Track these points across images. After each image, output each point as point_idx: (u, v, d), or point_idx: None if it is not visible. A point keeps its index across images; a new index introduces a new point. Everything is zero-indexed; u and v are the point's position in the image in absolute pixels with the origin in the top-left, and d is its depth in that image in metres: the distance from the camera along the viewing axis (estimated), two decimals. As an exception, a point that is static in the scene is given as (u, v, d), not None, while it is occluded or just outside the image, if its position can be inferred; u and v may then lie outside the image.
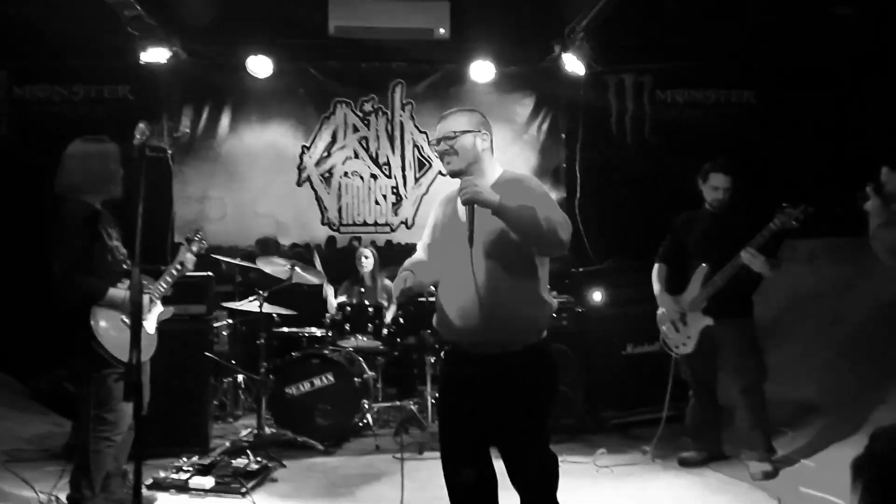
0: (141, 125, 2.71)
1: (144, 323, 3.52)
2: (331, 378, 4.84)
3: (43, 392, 5.34)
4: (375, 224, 6.75)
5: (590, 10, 5.65)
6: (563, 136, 6.77)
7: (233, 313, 5.59)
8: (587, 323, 5.27)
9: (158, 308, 3.72)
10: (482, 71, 6.41)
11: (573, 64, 6.21)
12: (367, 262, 5.77)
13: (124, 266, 3.47)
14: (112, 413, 3.40)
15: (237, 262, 5.16)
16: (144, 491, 3.94)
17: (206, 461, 4.31)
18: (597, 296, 5.31)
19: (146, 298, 3.55)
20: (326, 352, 4.97)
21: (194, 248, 3.81)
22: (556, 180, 6.79)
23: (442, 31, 6.08)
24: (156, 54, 5.81)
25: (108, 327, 3.38)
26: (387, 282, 5.66)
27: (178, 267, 3.70)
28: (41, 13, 5.37)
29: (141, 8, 5.20)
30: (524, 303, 2.79)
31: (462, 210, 2.79)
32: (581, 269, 5.65)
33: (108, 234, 3.48)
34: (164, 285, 3.68)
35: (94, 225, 3.39)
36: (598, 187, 6.56)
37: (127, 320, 3.44)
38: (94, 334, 3.32)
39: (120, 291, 3.42)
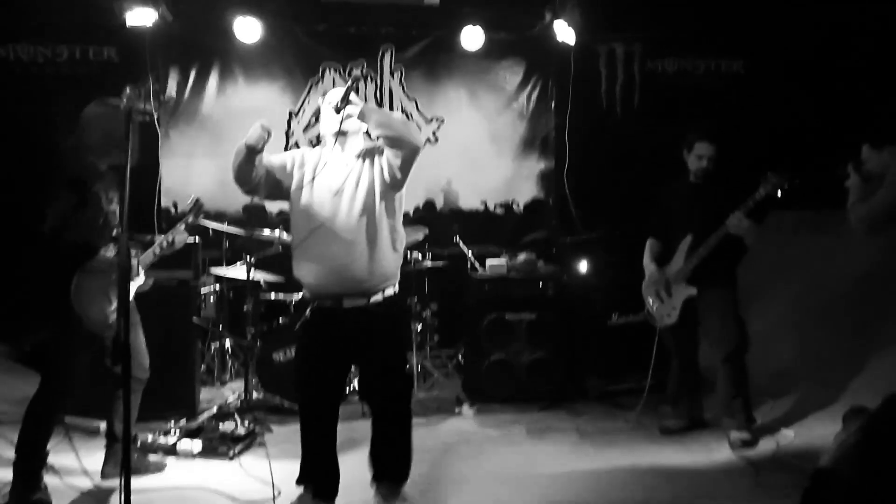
0: (128, 89, 2.69)
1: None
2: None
3: (27, 354, 5.34)
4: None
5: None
6: (553, 104, 6.74)
7: (220, 279, 5.59)
8: (572, 292, 5.31)
9: (140, 279, 3.70)
10: (472, 38, 6.35)
11: (563, 32, 6.17)
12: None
13: (114, 231, 3.45)
14: (63, 379, 3.39)
15: (224, 227, 5.15)
16: (154, 456, 3.98)
17: (194, 425, 4.36)
18: (583, 265, 5.35)
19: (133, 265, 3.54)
20: (314, 318, 4.99)
21: (190, 220, 3.81)
22: (544, 149, 6.78)
23: (431, -3, 6.02)
24: (141, 16, 5.71)
25: (87, 295, 3.36)
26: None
27: (170, 240, 3.70)
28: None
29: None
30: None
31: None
32: (568, 239, 5.67)
33: (108, 199, 3.46)
34: (152, 256, 3.69)
35: (93, 186, 3.38)
36: (587, 157, 6.55)
37: (108, 290, 3.45)
38: (72, 300, 3.31)
39: (107, 258, 3.41)
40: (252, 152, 3.07)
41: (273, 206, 6.42)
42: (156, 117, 6.10)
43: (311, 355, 3.24)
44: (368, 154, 3.20)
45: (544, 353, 5.13)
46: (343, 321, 3.13)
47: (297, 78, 6.53)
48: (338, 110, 3.09)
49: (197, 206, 3.87)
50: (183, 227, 3.78)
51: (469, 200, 6.70)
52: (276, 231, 4.99)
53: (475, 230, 6.29)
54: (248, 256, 4.99)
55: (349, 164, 3.16)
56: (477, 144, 6.68)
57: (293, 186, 3.20)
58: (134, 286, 3.64)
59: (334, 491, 3.28)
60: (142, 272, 3.69)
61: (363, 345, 3.17)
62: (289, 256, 5.32)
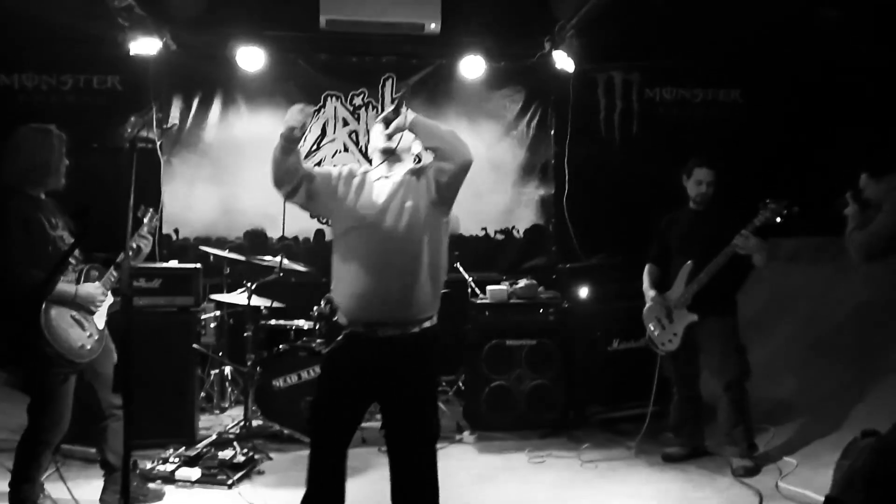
0: (132, 118, 2.71)
1: (90, 317, 3.47)
2: (318, 371, 4.86)
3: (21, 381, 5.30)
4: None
5: (580, 7, 5.68)
6: (552, 132, 6.80)
7: (220, 305, 5.59)
8: (573, 319, 5.31)
9: (109, 299, 3.58)
10: (472, 66, 6.43)
11: (563, 60, 6.25)
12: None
13: (67, 258, 3.38)
14: (50, 414, 3.35)
15: (225, 254, 5.16)
16: (154, 484, 3.95)
17: (193, 453, 4.32)
18: (583, 292, 5.35)
19: (94, 293, 3.46)
20: (314, 345, 4.99)
21: (144, 230, 3.65)
22: (544, 176, 6.83)
23: (433, 25, 6.08)
24: (145, 45, 5.79)
25: (59, 323, 3.31)
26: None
27: (129, 257, 3.61)
28: (38, 5, 5.32)
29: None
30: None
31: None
32: (568, 266, 5.68)
33: (52, 225, 3.39)
34: (116, 274, 3.54)
35: (32, 216, 3.30)
36: (586, 184, 6.60)
37: (77, 316, 3.42)
38: (43, 332, 3.24)
39: (69, 286, 3.37)
40: (291, 140, 2.85)
41: (275, 232, 6.44)
42: (158, 145, 6.15)
43: (335, 381, 2.96)
44: (416, 174, 2.99)
45: (545, 379, 5.12)
46: (376, 350, 2.86)
47: (299, 106, 6.57)
48: (388, 121, 2.96)
49: (151, 213, 3.74)
50: (140, 237, 3.66)
51: (469, 227, 6.72)
52: (277, 257, 5.00)
53: (476, 256, 6.31)
54: (249, 283, 5.00)
55: (397, 181, 2.96)
56: (477, 172, 6.64)
57: (336, 202, 2.99)
58: (103, 309, 3.55)
59: None
60: (108, 293, 3.56)
61: (394, 378, 2.89)
62: (288, 283, 5.37)
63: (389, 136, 2.96)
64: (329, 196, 3.00)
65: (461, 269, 5.62)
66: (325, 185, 3.00)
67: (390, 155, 3.01)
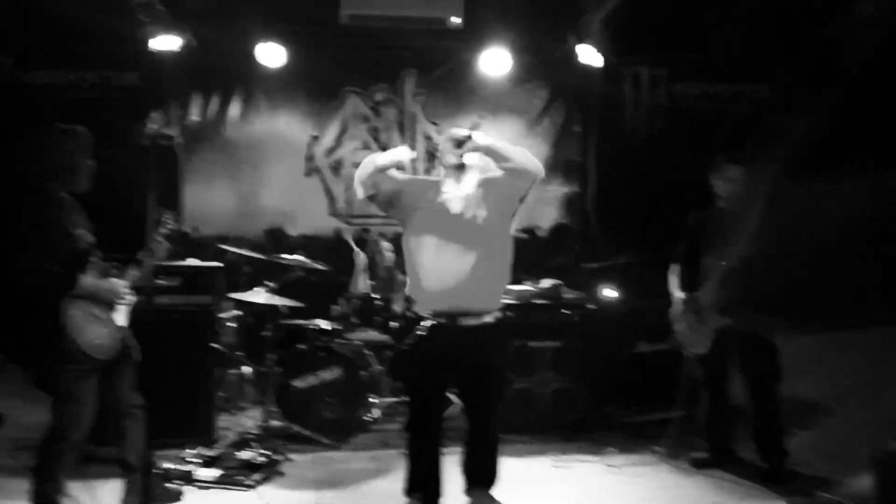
0: (153, 114, 2.65)
1: (112, 314, 3.44)
2: (338, 371, 4.79)
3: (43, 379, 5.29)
4: (386, 216, 6.69)
5: (606, 1, 5.56)
6: (577, 128, 6.68)
7: (239, 304, 5.53)
8: (597, 319, 5.20)
9: (129, 297, 3.53)
10: (496, 61, 6.32)
11: (589, 55, 6.12)
12: (389, 255, 5.71)
13: (90, 256, 3.37)
14: (71, 412, 3.30)
15: (244, 251, 5.10)
16: (172, 484, 3.91)
17: (212, 453, 4.28)
18: (608, 292, 5.24)
19: (116, 289, 3.44)
20: (334, 345, 4.92)
21: (162, 230, 3.63)
22: (568, 173, 6.72)
23: (455, 20, 5.98)
24: (165, 41, 5.74)
25: (81, 320, 3.28)
26: (400, 276, 5.59)
27: (151, 255, 3.58)
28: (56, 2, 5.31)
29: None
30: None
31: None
32: (593, 265, 5.58)
33: (73, 223, 3.38)
34: (136, 274, 3.51)
35: (54, 214, 3.30)
36: (611, 181, 6.48)
37: (98, 313, 3.38)
38: (64, 328, 3.22)
39: (92, 281, 3.35)
40: (388, 168, 3.38)
41: (294, 230, 6.38)
42: (178, 141, 6.11)
43: (426, 368, 3.40)
44: (486, 184, 3.42)
45: (569, 381, 5.01)
46: (458, 338, 3.32)
47: (319, 102, 6.53)
48: (460, 144, 3.32)
49: (165, 217, 3.72)
50: (165, 242, 3.65)
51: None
52: (296, 255, 4.94)
53: (517, 257, 6.20)
54: (268, 281, 4.93)
55: (468, 193, 3.40)
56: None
57: (412, 209, 3.44)
58: (126, 309, 3.51)
59: (438, 499, 3.46)
60: (132, 293, 3.55)
61: (473, 359, 3.36)
62: (308, 282, 5.29)
63: (461, 155, 3.36)
64: (406, 203, 3.45)
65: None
66: (402, 193, 3.46)
67: (461, 170, 3.42)
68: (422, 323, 3.38)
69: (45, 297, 3.21)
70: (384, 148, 6.60)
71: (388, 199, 3.47)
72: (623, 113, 6.71)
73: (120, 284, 3.44)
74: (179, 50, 5.87)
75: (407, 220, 3.48)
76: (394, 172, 3.47)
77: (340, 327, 5.18)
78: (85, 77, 6.15)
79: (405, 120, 6.66)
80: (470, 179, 3.43)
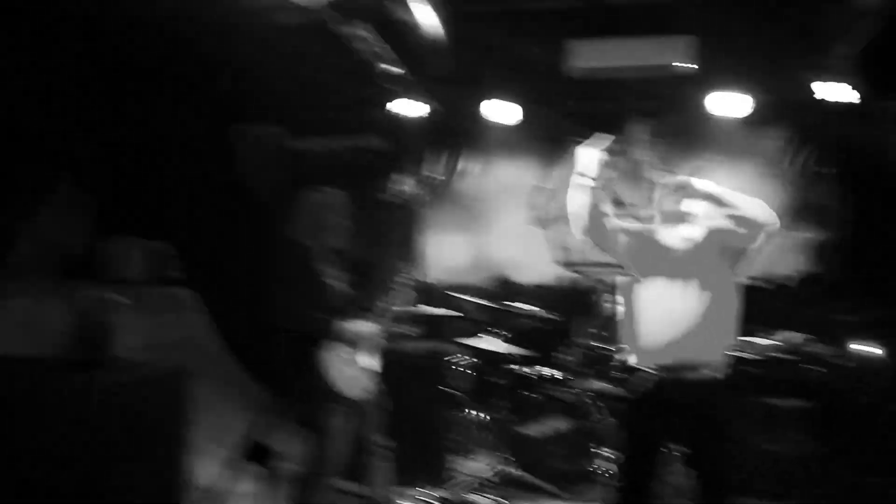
0: (398, 176, 2.92)
1: (363, 359, 3.70)
2: (566, 420, 4.79)
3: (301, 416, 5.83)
4: (612, 265, 6.62)
5: (854, 33, 5.14)
6: (826, 171, 6.18)
7: (471, 350, 5.74)
8: (851, 378, 4.71)
9: (376, 344, 3.80)
10: (730, 104, 6.07)
11: (834, 93, 5.67)
12: (614, 304, 5.64)
13: (342, 304, 3.69)
14: (327, 448, 3.57)
15: (475, 300, 5.32)
16: None
17: (442, 494, 4.44)
18: (863, 347, 4.74)
19: (369, 334, 3.72)
20: (561, 393, 4.94)
21: (405, 285, 3.93)
22: (814, 218, 6.21)
23: (686, 64, 5.86)
24: (407, 106, 6.25)
25: (337, 363, 3.58)
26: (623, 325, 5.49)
27: (394, 303, 3.86)
28: (309, 73, 5.99)
29: (392, 63, 5.62)
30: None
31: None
32: (846, 317, 5.08)
33: (328, 275, 3.74)
34: (382, 322, 3.79)
35: (313, 266, 3.67)
36: (867, 227, 5.88)
37: (351, 357, 3.67)
38: (322, 370, 3.53)
39: (348, 326, 3.63)
40: (587, 179, 3.32)
41: (523, 278, 6.54)
42: (418, 197, 6.56)
43: (645, 423, 3.25)
44: (709, 231, 3.30)
45: (818, 445, 4.57)
46: (679, 392, 3.15)
47: (546, 155, 6.68)
48: (679, 187, 3.24)
49: (410, 265, 4.01)
50: (406, 291, 3.91)
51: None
52: (525, 303, 5.05)
53: (747, 309, 5.85)
54: (498, 329, 5.08)
55: (689, 239, 3.29)
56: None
57: (630, 254, 3.38)
58: (376, 356, 3.78)
59: None
60: (379, 342, 3.82)
61: (695, 415, 3.15)
62: (536, 329, 5.38)
63: (678, 201, 3.26)
64: (625, 248, 3.39)
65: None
66: (622, 238, 3.40)
67: (681, 217, 3.31)
68: (641, 375, 3.24)
69: (308, 341, 3.57)
70: (618, 199, 6.56)
71: (606, 244, 3.43)
72: (880, 153, 6.09)
73: (371, 331, 3.77)
74: (420, 113, 6.36)
75: (628, 266, 3.40)
76: (612, 220, 3.41)
77: (568, 376, 5.18)
78: (341, 142, 6.83)
79: (635, 168, 6.58)
80: (691, 227, 3.30)
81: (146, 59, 5.96)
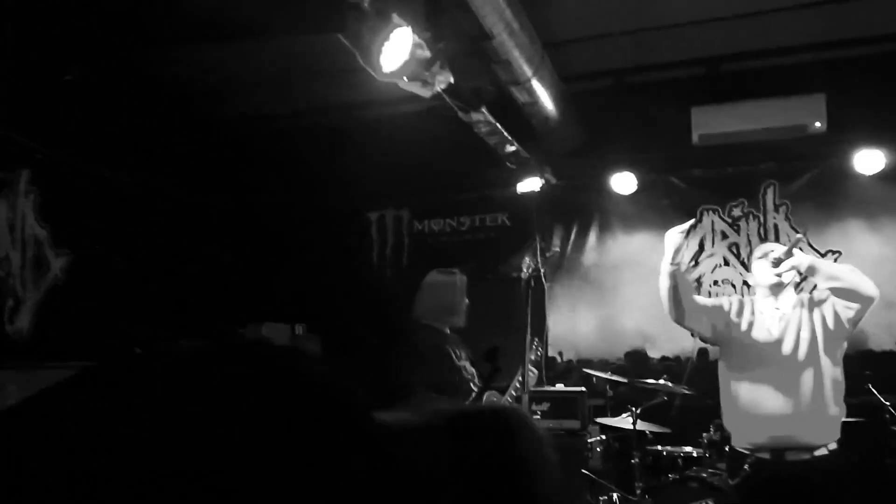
0: (527, 258, 3.00)
1: None
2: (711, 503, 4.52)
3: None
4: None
5: None
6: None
7: (605, 429, 5.58)
8: None
9: None
10: (867, 162, 5.76)
11: None
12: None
13: (472, 385, 3.70)
14: None
15: (607, 375, 5.19)
16: None
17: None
18: None
19: None
20: (705, 475, 4.68)
21: (532, 358, 3.93)
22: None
23: (818, 124, 5.64)
24: (530, 183, 6.34)
25: None
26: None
27: (520, 380, 3.84)
28: (433, 156, 6.23)
29: (517, 144, 5.74)
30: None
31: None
32: None
33: (457, 356, 3.76)
34: (509, 400, 3.82)
35: (442, 348, 3.71)
36: None
37: None
38: None
39: None
40: (675, 273, 3.24)
41: (655, 353, 6.33)
42: (542, 273, 6.56)
43: None
44: (807, 304, 3.21)
45: None
46: (785, 475, 3.04)
47: (673, 224, 6.53)
48: (779, 262, 3.16)
49: (536, 343, 3.99)
50: (529, 366, 3.88)
51: (880, 340, 5.84)
52: (659, 380, 4.88)
53: (891, 376, 5.41)
54: (633, 406, 4.93)
55: (786, 313, 3.19)
56: (888, 278, 5.87)
57: (731, 332, 3.26)
58: None
59: None
60: None
61: (807, 499, 3.06)
62: (673, 406, 5.18)
63: (780, 275, 3.16)
64: (724, 327, 3.26)
65: (875, 391, 4.87)
66: (720, 317, 3.28)
67: (779, 289, 3.22)
68: (744, 457, 3.12)
69: None
70: (745, 264, 6.32)
71: (696, 322, 3.34)
72: None
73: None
74: (541, 189, 6.42)
75: (720, 345, 3.34)
76: (699, 298, 3.42)
77: (711, 456, 4.91)
78: (464, 222, 6.99)
79: (767, 233, 6.33)
80: (788, 300, 3.20)
81: (277, 151, 6.40)
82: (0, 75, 4.09)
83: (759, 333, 3.17)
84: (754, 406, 3.08)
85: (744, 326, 3.23)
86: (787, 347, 3.07)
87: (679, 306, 3.23)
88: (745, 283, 6.37)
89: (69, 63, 4.43)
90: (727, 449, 3.33)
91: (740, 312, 3.27)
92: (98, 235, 5.35)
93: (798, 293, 3.26)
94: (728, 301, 3.35)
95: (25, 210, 4.90)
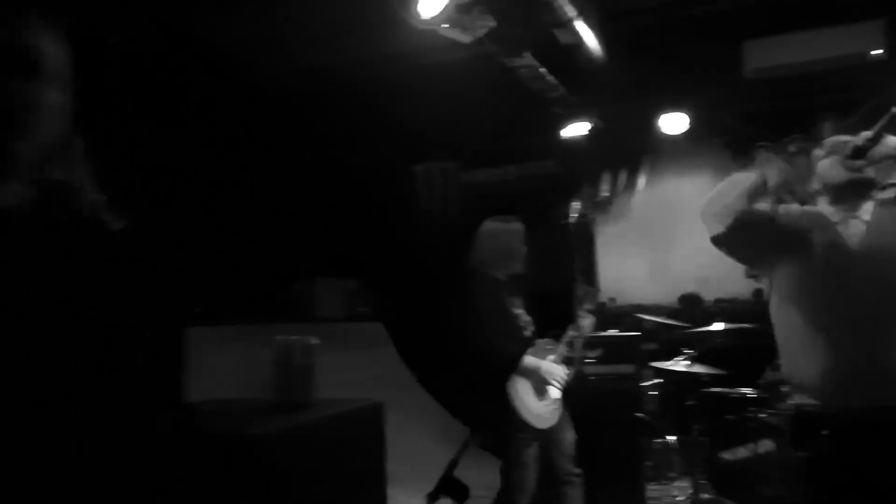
0: (575, 204, 2.90)
1: (550, 388, 3.68)
2: (770, 444, 4.48)
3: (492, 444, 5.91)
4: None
5: None
6: None
7: (660, 373, 5.56)
8: None
9: (562, 372, 3.76)
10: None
11: None
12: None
13: (527, 332, 3.70)
14: (517, 477, 3.56)
15: (661, 320, 5.15)
16: None
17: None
18: None
19: (555, 362, 3.71)
20: (764, 415, 4.63)
21: (585, 304, 3.89)
22: None
23: (877, 51, 5.38)
24: (576, 128, 6.23)
25: (524, 393, 3.58)
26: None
27: (580, 329, 3.82)
28: (477, 106, 6.15)
29: (563, 88, 5.63)
30: None
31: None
32: None
33: (512, 303, 3.76)
34: (566, 349, 3.79)
35: (498, 296, 3.70)
36: None
37: (538, 386, 3.65)
38: (511, 399, 3.53)
39: (536, 361, 3.64)
40: (757, 193, 2.46)
41: (709, 295, 6.25)
42: (592, 218, 6.49)
43: (830, 486, 2.29)
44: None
45: None
46: (870, 443, 2.21)
47: (727, 162, 6.38)
48: (860, 153, 2.34)
49: (588, 291, 3.93)
50: (591, 316, 3.86)
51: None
52: (715, 321, 4.82)
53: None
54: (689, 349, 4.89)
55: (873, 223, 2.36)
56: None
57: (790, 249, 2.42)
58: (558, 384, 3.75)
59: None
60: (564, 367, 3.81)
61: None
62: (729, 347, 5.11)
63: (860, 169, 2.34)
64: (778, 242, 2.44)
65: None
66: (771, 228, 2.46)
67: (861, 189, 2.38)
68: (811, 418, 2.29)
69: (495, 371, 3.65)
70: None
71: (749, 239, 2.43)
72: None
73: (556, 362, 3.77)
74: (588, 133, 6.31)
75: (778, 269, 2.45)
76: (751, 207, 2.46)
77: (768, 396, 4.85)
78: (510, 169, 6.94)
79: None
80: (869, 204, 2.38)
81: (318, 107, 6.38)
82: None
83: (829, 252, 2.36)
84: (825, 354, 2.29)
85: (807, 243, 2.40)
86: (871, 270, 2.28)
87: (734, 216, 2.40)
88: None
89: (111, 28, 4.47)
90: (798, 412, 2.41)
91: (803, 223, 2.46)
92: (152, 198, 5.46)
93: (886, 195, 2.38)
94: (786, 210, 2.54)
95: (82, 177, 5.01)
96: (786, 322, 2.40)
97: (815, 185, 2.55)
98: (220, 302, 5.62)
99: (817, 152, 2.58)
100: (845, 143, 2.41)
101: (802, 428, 2.34)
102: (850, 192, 2.39)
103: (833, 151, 2.45)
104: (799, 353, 2.34)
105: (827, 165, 2.48)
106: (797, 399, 2.36)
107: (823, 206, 2.48)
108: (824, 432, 2.24)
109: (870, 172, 2.36)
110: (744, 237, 2.42)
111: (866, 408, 2.18)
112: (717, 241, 2.43)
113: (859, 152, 2.34)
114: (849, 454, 2.20)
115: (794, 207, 2.56)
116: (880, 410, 2.16)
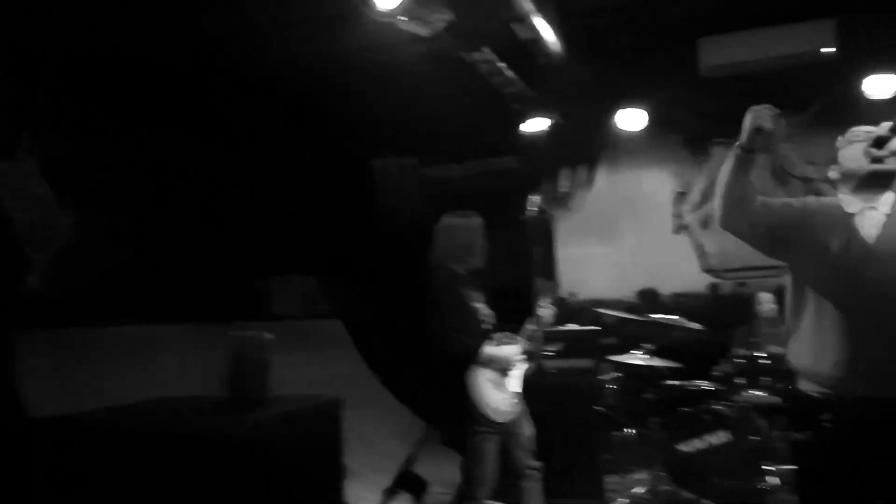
0: (532, 198, 2.91)
1: (508, 381, 3.69)
2: (725, 436, 4.56)
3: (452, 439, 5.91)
4: (763, 268, 6.26)
5: None
6: None
7: (618, 366, 5.61)
8: None
9: (521, 364, 3.82)
10: (880, 86, 5.62)
11: None
12: (768, 306, 5.34)
13: (486, 326, 3.71)
14: (477, 471, 3.58)
15: (619, 314, 5.20)
16: None
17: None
18: None
19: (514, 356, 3.72)
20: (719, 407, 4.71)
21: (544, 298, 3.91)
22: None
23: (828, 50, 5.50)
24: (535, 124, 6.24)
25: (483, 386, 3.60)
26: (786, 329, 5.16)
27: (539, 324, 3.83)
28: (436, 101, 6.12)
29: (522, 83, 5.63)
30: None
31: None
32: None
33: (471, 297, 3.76)
34: (525, 342, 3.81)
35: (457, 290, 3.70)
36: None
37: (496, 379, 3.66)
38: (470, 393, 3.56)
39: (491, 349, 3.65)
40: (753, 147, 2.48)
41: (666, 289, 6.31)
42: (551, 213, 6.52)
43: (840, 478, 2.29)
44: None
45: None
46: (886, 436, 2.22)
47: (684, 160, 6.47)
48: (879, 144, 2.41)
49: (548, 284, 3.96)
50: (550, 311, 3.88)
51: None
52: (672, 316, 4.88)
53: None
54: (646, 343, 4.94)
55: (890, 215, 2.36)
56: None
57: (804, 241, 2.43)
58: (517, 375, 3.78)
59: None
60: (524, 363, 3.83)
61: None
62: (686, 342, 5.18)
63: (881, 159, 2.37)
64: (795, 234, 2.44)
65: None
66: (788, 220, 2.47)
67: (882, 181, 2.38)
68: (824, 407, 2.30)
69: (454, 365, 3.63)
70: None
71: (770, 231, 2.45)
72: None
73: (514, 353, 3.77)
74: (547, 129, 6.32)
75: (794, 260, 2.47)
76: (764, 198, 2.50)
77: (724, 388, 4.93)
78: (470, 167, 6.93)
79: (780, 165, 6.23)
80: (889, 197, 2.38)
81: (277, 102, 6.29)
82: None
83: (845, 245, 2.36)
84: (837, 344, 2.32)
85: (823, 234, 2.40)
86: (888, 264, 2.28)
87: (737, 200, 2.44)
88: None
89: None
90: (810, 399, 2.42)
91: (819, 215, 2.48)
92: (105, 193, 5.33)
93: None
94: (801, 202, 2.57)
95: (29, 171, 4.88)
96: (799, 311, 2.44)
97: (835, 173, 2.55)
98: (180, 300, 5.53)
99: (840, 141, 2.59)
100: (867, 132, 2.46)
101: (804, 412, 2.37)
102: (870, 183, 2.42)
103: (855, 140, 2.48)
104: (812, 342, 2.36)
105: (848, 154, 2.50)
106: (804, 386, 2.40)
107: (843, 196, 2.48)
108: (824, 417, 2.28)
109: (891, 163, 2.39)
110: (765, 229, 2.45)
111: (879, 398, 2.21)
112: (737, 234, 2.49)
113: (880, 142, 2.39)
114: (855, 442, 2.23)
115: (812, 199, 2.58)
116: (891, 401, 2.20)
